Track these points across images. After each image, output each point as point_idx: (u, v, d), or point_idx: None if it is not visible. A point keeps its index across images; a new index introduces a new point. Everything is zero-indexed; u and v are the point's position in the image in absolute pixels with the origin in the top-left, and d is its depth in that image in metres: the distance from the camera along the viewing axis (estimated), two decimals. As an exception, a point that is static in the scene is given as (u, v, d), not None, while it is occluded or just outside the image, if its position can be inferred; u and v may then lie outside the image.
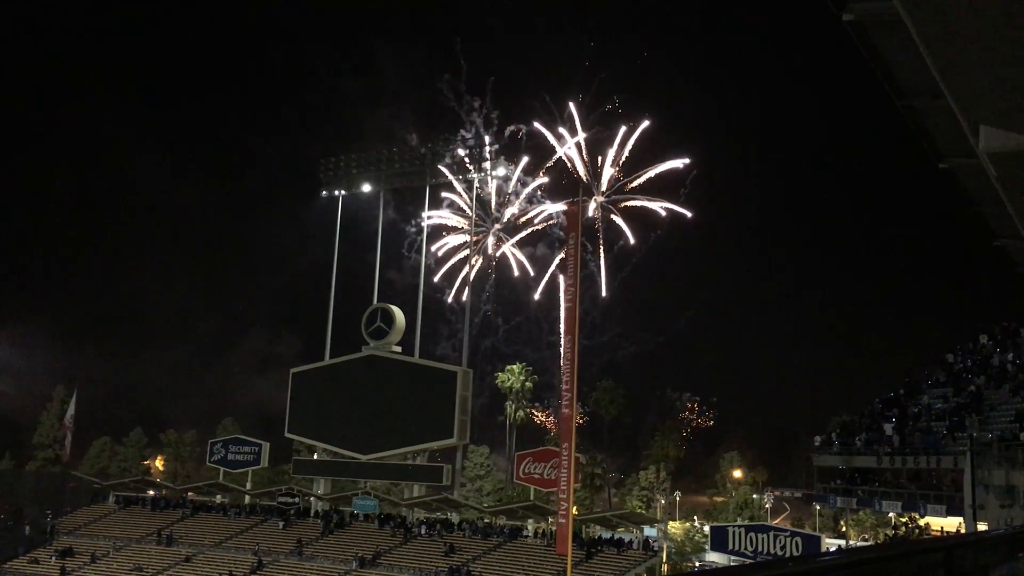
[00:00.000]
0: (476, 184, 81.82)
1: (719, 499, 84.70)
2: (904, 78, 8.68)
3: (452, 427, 66.66)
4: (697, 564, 63.59)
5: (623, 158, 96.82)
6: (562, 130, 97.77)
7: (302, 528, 67.27)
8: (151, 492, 79.75)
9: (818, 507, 67.06)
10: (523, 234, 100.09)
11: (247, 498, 74.27)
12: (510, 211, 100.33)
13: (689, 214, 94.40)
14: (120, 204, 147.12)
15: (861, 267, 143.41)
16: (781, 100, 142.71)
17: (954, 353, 62.86)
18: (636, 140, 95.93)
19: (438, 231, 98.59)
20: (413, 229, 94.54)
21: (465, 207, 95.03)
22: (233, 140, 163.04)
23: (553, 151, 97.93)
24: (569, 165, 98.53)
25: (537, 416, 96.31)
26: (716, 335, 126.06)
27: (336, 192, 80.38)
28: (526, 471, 65.60)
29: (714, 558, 59.30)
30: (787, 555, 50.54)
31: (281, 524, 67.84)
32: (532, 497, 65.71)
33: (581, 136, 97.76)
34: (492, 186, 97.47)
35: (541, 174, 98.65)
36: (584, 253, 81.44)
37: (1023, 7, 6.13)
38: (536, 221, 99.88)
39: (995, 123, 8.39)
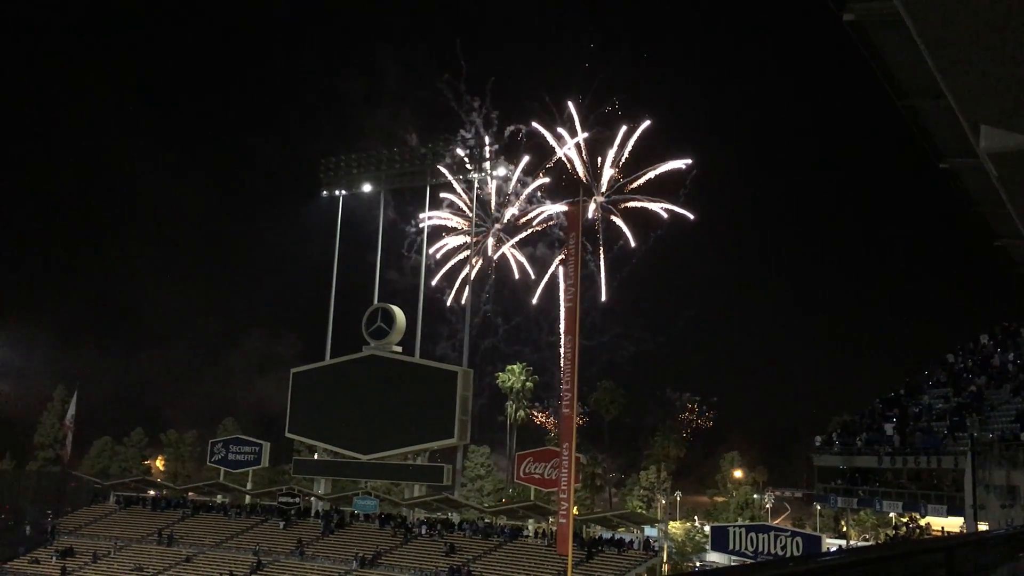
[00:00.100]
0: (476, 184, 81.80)
1: (720, 499, 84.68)
2: (904, 78, 8.67)
3: (453, 427, 66.68)
4: (698, 564, 63.61)
5: (623, 159, 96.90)
6: (562, 131, 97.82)
7: (303, 528, 67.30)
8: (152, 492, 79.77)
9: (819, 507, 67.06)
10: (523, 235, 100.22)
11: (248, 498, 74.30)
12: (510, 211, 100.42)
13: (692, 216, 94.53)
14: (120, 204, 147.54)
15: (861, 267, 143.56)
16: (781, 100, 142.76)
17: (955, 353, 62.84)
18: (636, 141, 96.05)
19: (438, 232, 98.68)
20: (413, 229, 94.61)
21: (465, 207, 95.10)
22: (233, 140, 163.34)
23: (553, 151, 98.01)
24: (569, 166, 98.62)
25: (537, 417, 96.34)
26: (716, 335, 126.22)
27: (336, 192, 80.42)
28: (527, 471, 65.65)
29: (715, 558, 59.31)
30: (788, 555, 50.52)
31: (282, 524, 67.87)
32: (533, 497, 65.74)
33: (581, 137, 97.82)
34: (492, 186, 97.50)
35: (541, 174, 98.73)
36: (584, 253, 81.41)
37: (1023, 7, 6.12)
38: (536, 222, 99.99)
39: (996, 123, 8.39)
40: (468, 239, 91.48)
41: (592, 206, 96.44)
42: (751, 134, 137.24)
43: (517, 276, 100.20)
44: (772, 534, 55.03)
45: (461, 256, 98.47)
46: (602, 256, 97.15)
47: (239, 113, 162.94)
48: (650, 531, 63.89)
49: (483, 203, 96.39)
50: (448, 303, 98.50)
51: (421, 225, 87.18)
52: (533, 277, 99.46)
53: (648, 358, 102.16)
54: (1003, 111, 8.09)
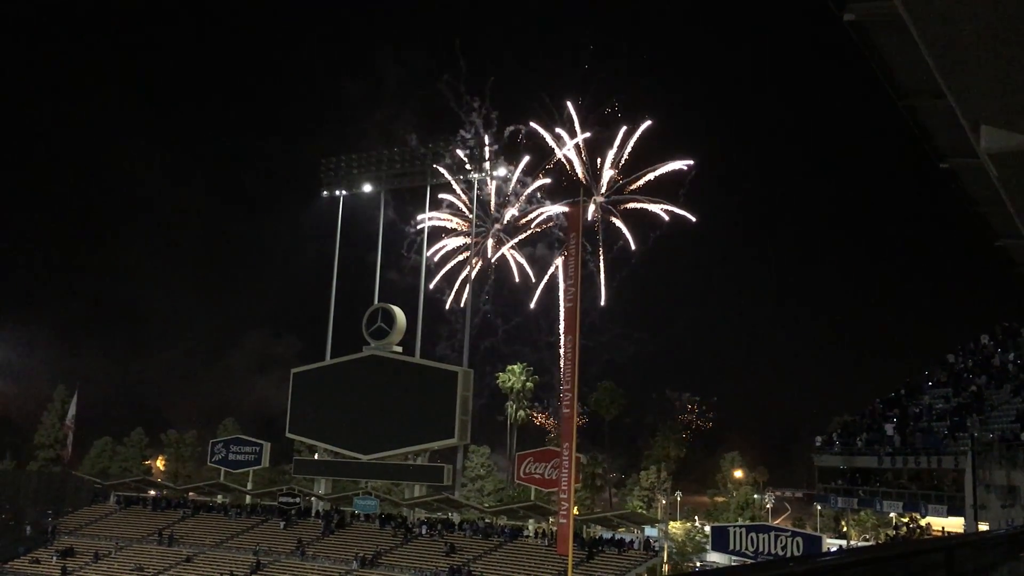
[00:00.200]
0: (476, 185, 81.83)
1: (720, 499, 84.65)
2: (905, 78, 8.68)
3: (453, 427, 66.69)
4: (698, 564, 63.61)
5: (623, 159, 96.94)
6: (561, 131, 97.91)
7: (303, 528, 67.31)
8: (152, 492, 79.79)
9: (819, 507, 67.04)
10: (523, 235, 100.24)
11: (248, 498, 74.31)
12: (510, 212, 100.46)
13: (694, 218, 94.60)
14: (121, 204, 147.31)
15: (862, 267, 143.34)
16: (781, 99, 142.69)
17: (955, 353, 62.78)
18: (635, 141, 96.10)
19: (437, 233, 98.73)
20: (413, 230, 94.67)
21: (464, 208, 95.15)
22: (234, 140, 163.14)
23: (553, 152, 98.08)
24: (568, 167, 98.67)
25: (536, 418, 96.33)
26: (716, 335, 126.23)
27: (337, 192, 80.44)
28: (527, 471, 65.67)
29: (715, 558, 59.30)
30: (788, 555, 50.51)
31: (282, 524, 67.89)
32: (533, 497, 65.75)
33: (580, 137, 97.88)
34: (492, 187, 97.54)
35: (541, 175, 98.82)
36: (584, 254, 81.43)
37: (1023, 7, 6.13)
38: (536, 222, 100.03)
39: (996, 123, 8.40)
40: (467, 240, 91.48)
41: (592, 207, 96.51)
42: (750, 134, 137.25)
43: (517, 277, 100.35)
44: (772, 534, 55.02)
45: (461, 257, 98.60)
46: (602, 257, 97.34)
47: (239, 113, 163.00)
48: (650, 531, 63.87)
49: (483, 203, 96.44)
50: (448, 304, 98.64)
51: (420, 226, 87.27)
52: (533, 278, 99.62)
53: (648, 358, 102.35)
54: (1004, 111, 8.09)
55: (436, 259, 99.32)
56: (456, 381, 67.54)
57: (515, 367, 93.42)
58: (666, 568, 62.67)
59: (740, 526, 59.55)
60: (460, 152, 78.81)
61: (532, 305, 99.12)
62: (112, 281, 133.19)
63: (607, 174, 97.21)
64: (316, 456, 75.51)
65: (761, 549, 53.70)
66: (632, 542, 58.38)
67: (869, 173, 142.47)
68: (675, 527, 71.83)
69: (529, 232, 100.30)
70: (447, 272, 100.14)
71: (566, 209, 77.66)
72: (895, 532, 58.33)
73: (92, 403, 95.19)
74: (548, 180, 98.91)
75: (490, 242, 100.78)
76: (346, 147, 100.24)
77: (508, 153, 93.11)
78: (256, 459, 76.24)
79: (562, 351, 49.41)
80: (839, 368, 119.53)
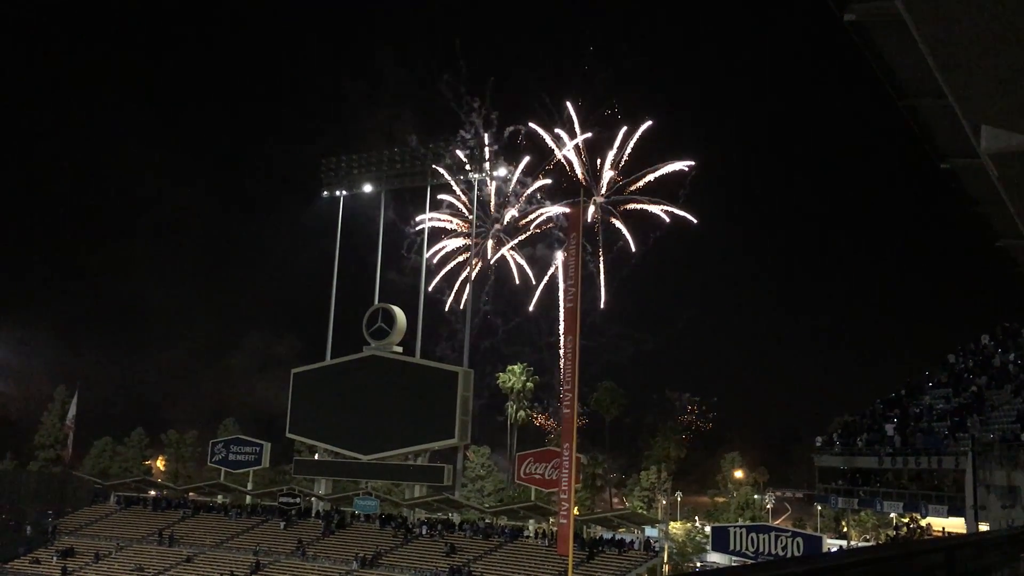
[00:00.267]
0: (476, 185, 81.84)
1: (720, 499, 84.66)
2: (905, 78, 8.67)
3: (453, 427, 66.68)
4: (698, 564, 63.62)
5: (623, 160, 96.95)
6: (561, 132, 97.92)
7: (303, 528, 67.30)
8: (152, 492, 79.80)
9: (819, 508, 67.01)
10: (523, 236, 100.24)
11: (248, 498, 74.31)
12: (510, 212, 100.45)
13: (694, 219, 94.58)
14: (121, 204, 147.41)
15: (862, 267, 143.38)
16: (781, 100, 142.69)
17: (955, 353, 62.74)
18: (635, 142, 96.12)
19: (437, 234, 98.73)
20: (413, 230, 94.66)
21: (464, 209, 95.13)
22: (234, 140, 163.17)
23: (552, 153, 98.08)
24: (568, 167, 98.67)
25: (537, 418, 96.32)
26: (716, 335, 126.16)
27: (337, 193, 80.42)
28: (527, 471, 65.66)
29: (715, 558, 59.29)
30: (788, 556, 50.50)
31: (282, 524, 67.88)
32: (533, 497, 65.74)
33: (580, 138, 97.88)
34: (492, 187, 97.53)
35: (541, 176, 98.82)
36: (584, 254, 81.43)
37: (1023, 7, 6.12)
38: (536, 223, 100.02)
39: (997, 123, 8.39)
40: (467, 240, 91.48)
41: (592, 207, 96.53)
42: (750, 134, 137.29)
43: (517, 277, 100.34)
44: (773, 534, 54.99)
45: (461, 258, 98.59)
46: (602, 257, 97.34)
47: (240, 113, 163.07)
48: (651, 531, 63.84)
49: (483, 204, 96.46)
50: (448, 305, 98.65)
51: (420, 227, 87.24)
52: (533, 278, 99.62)
53: (648, 358, 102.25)
54: (1005, 112, 8.08)
55: (436, 260, 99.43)
56: (456, 381, 67.53)
57: (515, 367, 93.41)
58: (666, 568, 62.63)
59: (740, 526, 59.51)
60: (460, 152, 78.81)
61: (532, 305, 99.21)
62: (112, 281, 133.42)
63: (607, 175, 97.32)
64: (316, 456, 75.51)
65: (761, 549, 53.67)
66: (632, 542, 58.35)
67: (869, 173, 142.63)
68: (675, 527, 71.84)
69: (529, 233, 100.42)
70: (447, 273, 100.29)
71: (566, 210, 77.76)
72: (895, 532, 58.32)
73: (92, 403, 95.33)
74: (548, 181, 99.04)
75: (490, 243, 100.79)
76: (346, 147, 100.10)
77: (508, 154, 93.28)
78: (256, 459, 76.25)
79: (562, 351, 49.41)
80: (839, 368, 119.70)
